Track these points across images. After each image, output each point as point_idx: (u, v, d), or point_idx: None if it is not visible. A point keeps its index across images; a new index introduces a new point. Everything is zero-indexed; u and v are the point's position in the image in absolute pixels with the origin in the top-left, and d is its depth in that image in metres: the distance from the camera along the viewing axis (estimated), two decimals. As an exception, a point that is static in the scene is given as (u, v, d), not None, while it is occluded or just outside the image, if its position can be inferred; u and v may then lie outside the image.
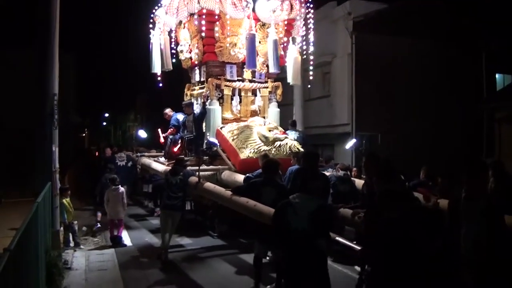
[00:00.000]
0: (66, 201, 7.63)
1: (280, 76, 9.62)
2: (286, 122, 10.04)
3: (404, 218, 3.06)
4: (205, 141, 8.45)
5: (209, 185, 6.65)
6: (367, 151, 11.78)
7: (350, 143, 9.09)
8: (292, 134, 9.60)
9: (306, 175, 3.83)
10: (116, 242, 7.95)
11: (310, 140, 13.84)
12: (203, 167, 8.03)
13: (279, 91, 9.45)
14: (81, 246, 7.75)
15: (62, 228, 7.49)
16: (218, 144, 8.21)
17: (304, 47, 9.43)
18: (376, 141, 13.47)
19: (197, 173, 7.04)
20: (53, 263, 5.82)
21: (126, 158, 10.69)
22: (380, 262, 3.18)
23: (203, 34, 8.52)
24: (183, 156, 8.55)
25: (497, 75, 16.83)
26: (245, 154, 7.72)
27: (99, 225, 9.03)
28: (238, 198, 5.49)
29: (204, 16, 8.45)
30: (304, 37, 9.34)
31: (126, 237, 8.37)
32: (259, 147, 7.83)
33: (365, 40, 13.15)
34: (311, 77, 9.49)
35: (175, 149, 9.10)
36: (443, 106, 13.61)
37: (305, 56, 9.43)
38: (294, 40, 9.46)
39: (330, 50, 13.95)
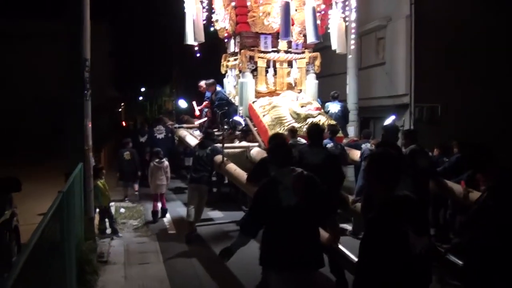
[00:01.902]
0: (101, 182, 7.29)
1: (319, 46, 9.54)
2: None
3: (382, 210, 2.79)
4: (230, 120, 8.70)
5: (230, 166, 6.91)
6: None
7: (389, 120, 8.92)
8: (334, 107, 9.63)
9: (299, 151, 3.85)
10: (163, 213, 8.54)
11: (363, 113, 13.66)
12: (233, 144, 8.36)
13: (317, 62, 9.42)
14: (119, 234, 7.42)
15: (98, 212, 7.29)
16: (243, 123, 8.44)
17: (347, 13, 9.25)
18: (436, 113, 12.99)
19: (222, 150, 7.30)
20: (86, 259, 5.41)
21: (165, 130, 11.27)
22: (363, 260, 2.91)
23: (233, 4, 8.61)
24: (213, 130, 8.90)
25: None
26: (274, 131, 7.87)
27: (127, 199, 9.77)
28: (251, 185, 5.70)
29: (235, -17, 8.56)
30: (347, 2, 9.15)
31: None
32: (289, 124, 7.95)
33: (426, 0, 12.48)
34: (352, 46, 9.31)
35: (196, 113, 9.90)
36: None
37: (347, 23, 9.26)
38: (336, 4, 9.33)
39: (385, 12, 13.39)
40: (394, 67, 13.41)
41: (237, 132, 8.95)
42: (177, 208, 9.54)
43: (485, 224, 3.38)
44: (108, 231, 7.42)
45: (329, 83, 12.66)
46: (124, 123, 16.63)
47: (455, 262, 3.53)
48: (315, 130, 5.74)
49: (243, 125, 8.50)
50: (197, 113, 10.36)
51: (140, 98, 45.52)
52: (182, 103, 12.92)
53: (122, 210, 9.02)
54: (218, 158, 7.34)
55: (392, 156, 2.96)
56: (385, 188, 2.77)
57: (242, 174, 6.33)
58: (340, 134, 8.17)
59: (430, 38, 12.43)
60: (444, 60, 12.41)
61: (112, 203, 8.23)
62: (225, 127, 8.46)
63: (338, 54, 9.78)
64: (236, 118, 8.52)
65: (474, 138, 8.93)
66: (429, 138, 9.69)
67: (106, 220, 7.47)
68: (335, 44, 9.43)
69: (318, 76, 9.82)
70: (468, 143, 6.91)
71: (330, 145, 7.29)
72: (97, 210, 7.27)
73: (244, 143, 8.51)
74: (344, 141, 8.53)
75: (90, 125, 6.76)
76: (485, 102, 12.34)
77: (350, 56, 11.10)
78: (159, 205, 8.65)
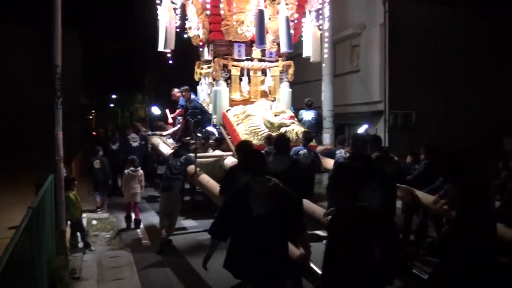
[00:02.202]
0: (72, 194, 7.02)
1: (293, 53, 9.66)
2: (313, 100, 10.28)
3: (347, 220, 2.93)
4: (203, 130, 8.72)
5: (203, 178, 6.91)
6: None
7: (362, 129, 9.09)
8: (308, 114, 9.74)
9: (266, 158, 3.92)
10: (136, 224, 8.44)
11: (338, 120, 13.86)
12: (207, 153, 8.37)
13: (291, 70, 9.55)
14: (92, 248, 7.14)
15: (69, 224, 6.99)
16: (217, 134, 8.48)
17: (320, 22, 9.40)
18: (410, 119, 13.26)
19: (195, 160, 7.30)
20: (58, 276, 5.19)
21: (139, 137, 11.20)
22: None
23: (206, 12, 8.66)
24: (189, 139, 8.89)
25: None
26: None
27: (99, 211, 9.64)
28: (224, 198, 5.70)
29: (208, -8, 8.60)
30: (320, 11, 9.30)
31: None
32: (263, 133, 8.01)
33: (399, 9, 12.77)
34: (326, 55, 9.46)
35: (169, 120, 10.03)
36: (490, 83, 13.03)
37: (321, 32, 9.41)
38: (310, 13, 9.47)
39: (359, 20, 13.66)
40: (368, 75, 13.66)
41: (211, 141, 8.97)
42: (150, 218, 9.43)
43: (459, 230, 3.48)
44: (80, 245, 7.19)
45: (303, 90, 12.81)
46: (94, 133, 16.42)
47: (420, 275, 3.62)
48: (281, 140, 5.90)
49: (216, 135, 8.54)
50: (170, 121, 10.35)
51: (112, 105, 45.10)
52: (156, 110, 12.87)
53: (94, 222, 8.80)
54: (191, 168, 7.33)
55: (356, 168, 3.08)
56: (349, 199, 2.90)
57: (215, 186, 6.33)
58: (313, 143, 8.26)
59: (404, 46, 12.72)
60: (419, 67, 12.71)
61: (84, 215, 8.05)
62: (198, 135, 8.47)
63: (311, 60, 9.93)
64: (209, 128, 8.55)
65: (449, 145, 9.15)
66: (403, 145, 9.88)
67: (78, 233, 7.25)
68: (309, 52, 9.54)
69: (293, 83, 9.93)
70: (435, 148, 6.98)
71: (303, 151, 7.36)
72: (69, 222, 6.99)
73: (218, 152, 8.54)
74: (318, 149, 8.64)
75: (61, 135, 6.42)
76: (461, 109, 12.68)
77: (324, 65, 11.25)
78: (133, 215, 8.60)
